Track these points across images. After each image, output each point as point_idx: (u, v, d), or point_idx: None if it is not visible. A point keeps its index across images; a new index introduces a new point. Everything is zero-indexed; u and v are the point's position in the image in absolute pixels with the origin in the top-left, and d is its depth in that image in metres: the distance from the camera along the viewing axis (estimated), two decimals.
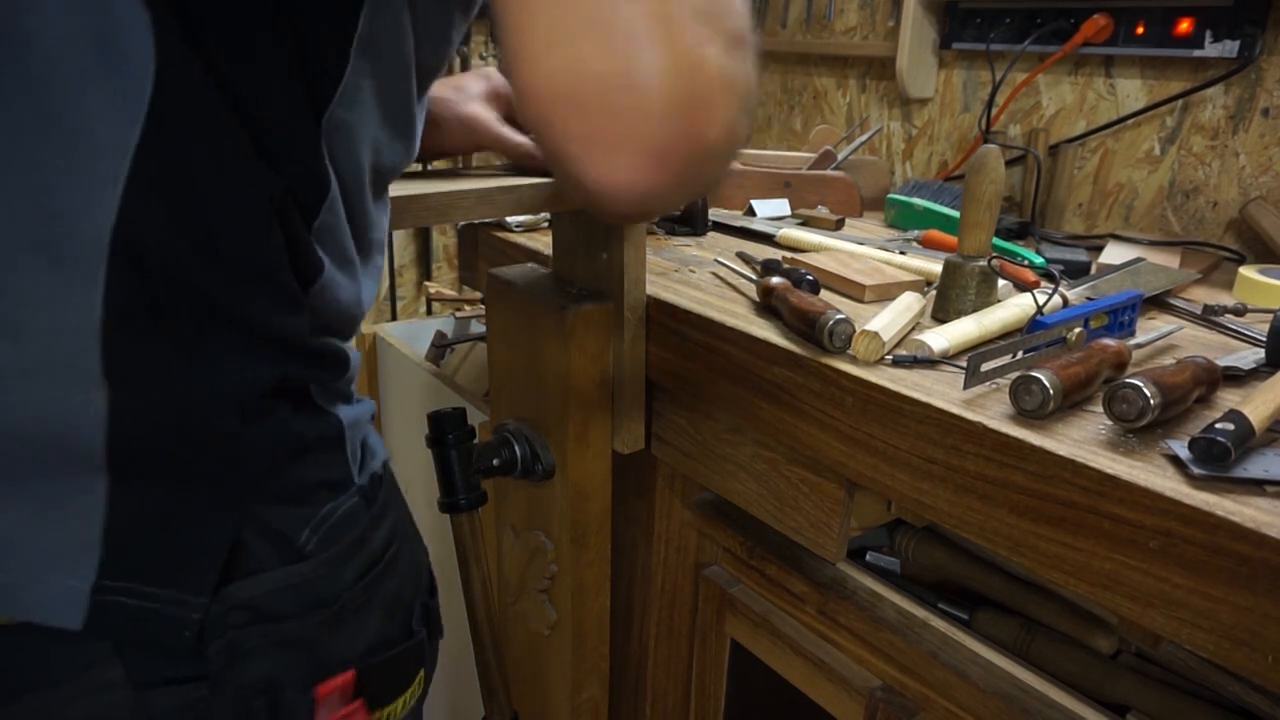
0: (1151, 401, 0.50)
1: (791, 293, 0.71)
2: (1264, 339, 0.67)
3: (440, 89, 0.74)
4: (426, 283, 2.15)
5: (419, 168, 0.81)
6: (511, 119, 0.75)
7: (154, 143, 0.38)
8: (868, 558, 0.81)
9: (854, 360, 0.64)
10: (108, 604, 0.42)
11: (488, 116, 0.73)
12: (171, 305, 0.41)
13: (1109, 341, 0.59)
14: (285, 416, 0.46)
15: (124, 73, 0.37)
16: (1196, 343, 0.72)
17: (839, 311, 0.65)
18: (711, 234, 1.10)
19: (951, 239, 0.99)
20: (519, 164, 0.76)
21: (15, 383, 0.39)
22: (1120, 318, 0.69)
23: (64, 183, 0.37)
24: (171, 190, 0.40)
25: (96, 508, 0.42)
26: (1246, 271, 0.87)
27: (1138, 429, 0.52)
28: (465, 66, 2.05)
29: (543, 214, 1.04)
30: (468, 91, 0.74)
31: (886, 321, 0.66)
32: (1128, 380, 0.51)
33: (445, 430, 0.79)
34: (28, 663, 0.43)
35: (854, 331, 0.64)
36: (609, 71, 0.34)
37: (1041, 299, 0.70)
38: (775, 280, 0.75)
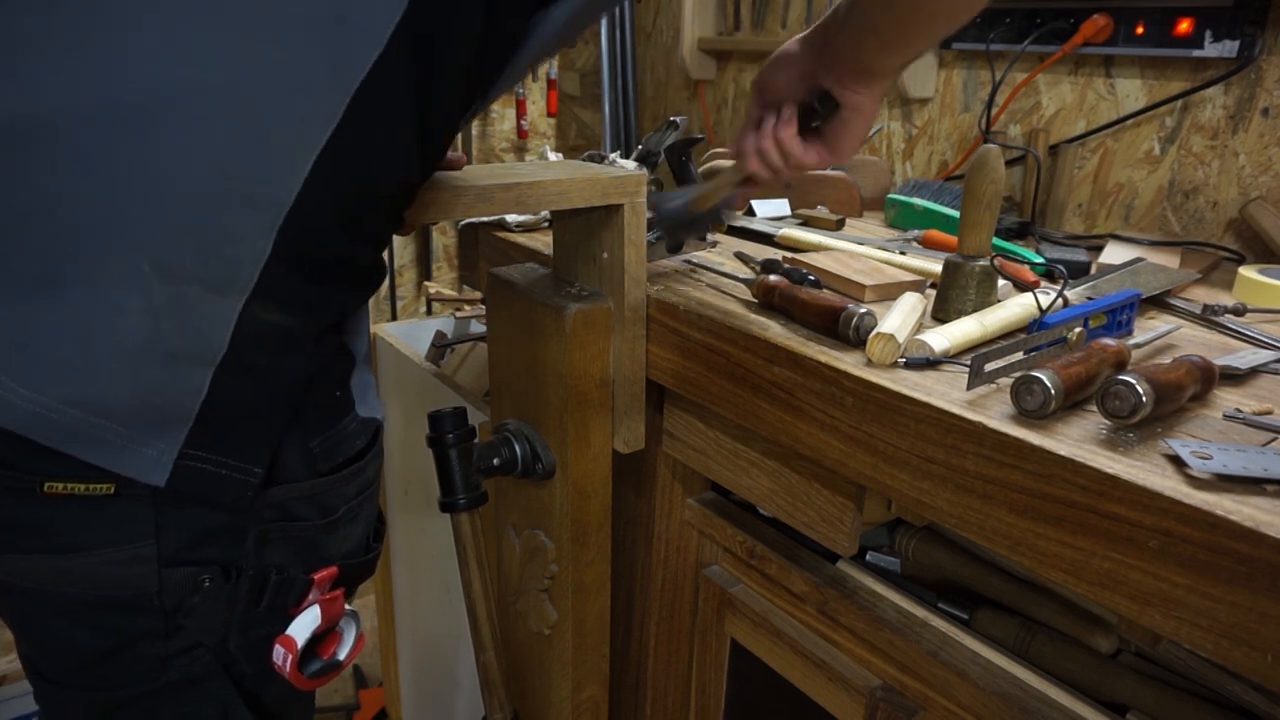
0: (1144, 399, 0.51)
1: (800, 290, 0.71)
2: (1263, 339, 0.67)
3: None
4: (426, 283, 2.15)
5: None
6: None
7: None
8: (868, 557, 0.81)
9: (857, 359, 0.64)
10: (188, 468, 0.54)
11: None
12: (311, 252, 0.54)
13: (1109, 341, 0.59)
14: (336, 340, 0.62)
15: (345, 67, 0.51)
16: (1195, 342, 0.72)
17: (861, 304, 0.65)
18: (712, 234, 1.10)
19: (951, 239, 0.99)
20: None
21: (193, 287, 0.51)
22: (1118, 317, 0.69)
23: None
24: (346, 172, 0.53)
25: (199, 393, 0.53)
26: (1246, 271, 0.87)
27: (1131, 425, 0.52)
28: None
29: (543, 214, 1.04)
30: None
31: (899, 324, 0.66)
32: (1120, 377, 0.52)
33: (445, 430, 0.79)
34: (74, 528, 0.54)
35: (876, 324, 0.64)
36: None
37: (1044, 299, 0.70)
38: (773, 278, 0.75)
